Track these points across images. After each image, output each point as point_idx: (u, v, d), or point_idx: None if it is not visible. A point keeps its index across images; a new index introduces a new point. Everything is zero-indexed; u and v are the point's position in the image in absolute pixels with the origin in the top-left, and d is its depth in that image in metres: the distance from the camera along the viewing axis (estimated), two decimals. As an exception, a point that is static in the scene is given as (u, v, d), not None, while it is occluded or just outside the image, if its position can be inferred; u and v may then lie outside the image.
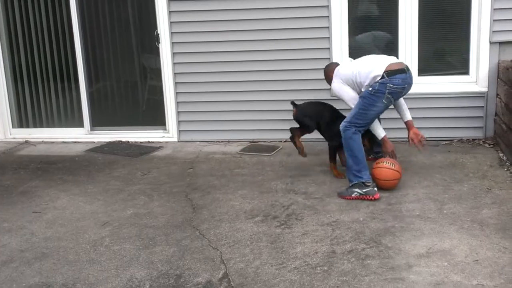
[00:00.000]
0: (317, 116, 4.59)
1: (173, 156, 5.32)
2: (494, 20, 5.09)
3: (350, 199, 4.07)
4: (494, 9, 5.06)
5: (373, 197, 4.03)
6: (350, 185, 4.14)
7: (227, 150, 5.40)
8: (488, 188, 4.13)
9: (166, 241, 3.53)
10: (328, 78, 4.59)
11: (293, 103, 4.68)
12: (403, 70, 4.14)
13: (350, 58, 4.80)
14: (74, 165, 5.16)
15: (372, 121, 4.24)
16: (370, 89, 4.13)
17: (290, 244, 3.39)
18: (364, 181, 4.08)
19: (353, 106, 4.26)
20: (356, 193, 4.07)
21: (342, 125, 4.24)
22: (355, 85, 4.29)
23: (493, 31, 5.11)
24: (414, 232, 3.48)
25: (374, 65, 4.20)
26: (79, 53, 5.81)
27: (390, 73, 4.12)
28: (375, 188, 4.07)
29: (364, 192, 4.05)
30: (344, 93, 4.36)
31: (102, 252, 3.39)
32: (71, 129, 5.99)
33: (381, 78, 4.11)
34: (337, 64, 4.57)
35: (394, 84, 4.11)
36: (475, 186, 4.19)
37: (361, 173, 4.11)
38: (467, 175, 4.42)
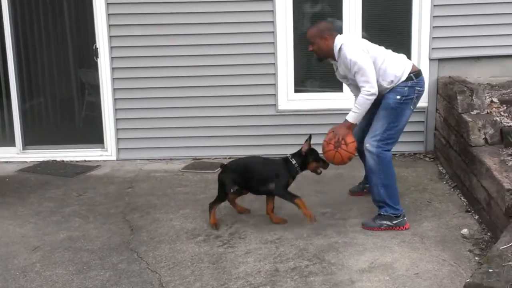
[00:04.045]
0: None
1: (111, 175, 5.10)
2: (433, 38, 5.22)
3: (378, 230, 3.68)
4: (433, 27, 5.20)
5: (404, 227, 3.68)
6: (380, 214, 3.71)
7: (169, 168, 5.23)
8: (428, 201, 4.19)
9: (102, 265, 3.37)
10: (322, 43, 3.75)
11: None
12: (421, 71, 3.79)
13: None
14: (4, 186, 4.86)
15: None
16: (399, 97, 3.63)
17: (233, 264, 3.31)
18: (398, 214, 3.69)
19: (369, 93, 3.58)
20: (385, 225, 3.68)
21: (373, 146, 3.65)
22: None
23: (433, 48, 5.24)
24: (357, 247, 3.47)
25: (403, 62, 3.70)
26: (12, 68, 5.51)
27: (417, 74, 3.70)
28: (405, 218, 3.71)
29: (394, 224, 3.68)
30: (369, 70, 3.58)
31: (33, 278, 3.21)
32: (1, 148, 5.64)
33: (409, 80, 3.67)
34: (336, 31, 3.88)
35: (421, 87, 3.71)
36: (416, 199, 4.24)
37: (397, 205, 3.70)
38: (408, 188, 4.46)
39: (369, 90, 3.60)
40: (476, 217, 3.84)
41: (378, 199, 3.74)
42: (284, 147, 5.31)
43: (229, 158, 5.39)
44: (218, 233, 3.75)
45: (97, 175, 5.12)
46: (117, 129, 5.49)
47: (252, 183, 3.85)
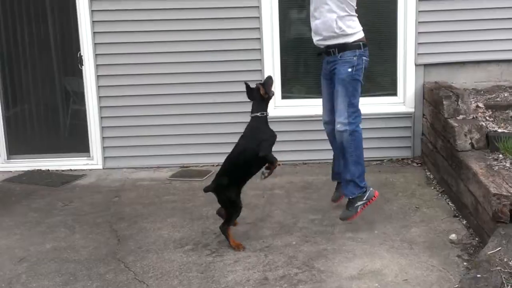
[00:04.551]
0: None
1: (97, 185, 5.04)
2: (419, 44, 5.25)
3: (357, 216, 3.72)
4: (419, 32, 5.23)
5: (375, 197, 3.78)
6: (352, 198, 3.72)
7: (156, 177, 5.19)
8: (416, 207, 4.19)
9: (89, 276, 3.32)
10: None
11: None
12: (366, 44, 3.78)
13: None
14: (-12, 197, 4.78)
15: None
16: (350, 69, 3.67)
17: (221, 273, 3.28)
18: (365, 186, 3.74)
19: None
20: (360, 205, 3.72)
21: (344, 124, 3.65)
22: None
23: (418, 54, 5.27)
24: (346, 254, 3.45)
25: (360, 27, 3.77)
26: (-5, 76, 5.43)
27: (365, 44, 3.76)
28: (371, 188, 3.78)
29: (366, 199, 3.73)
30: None
31: (17, 291, 3.13)
32: (-15, 158, 5.56)
33: (357, 49, 3.71)
34: None
35: (367, 58, 3.76)
36: (404, 205, 4.24)
37: (361, 182, 3.73)
38: (396, 194, 4.47)
39: None
40: (464, 222, 3.85)
41: (349, 178, 3.74)
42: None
43: (217, 165, 5.36)
44: (207, 242, 3.71)
45: (83, 185, 5.05)
46: (103, 137, 5.43)
47: (251, 169, 3.63)
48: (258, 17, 5.24)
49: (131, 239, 3.81)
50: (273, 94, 3.80)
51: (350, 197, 3.76)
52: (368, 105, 5.40)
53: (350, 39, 3.74)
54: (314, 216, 4.06)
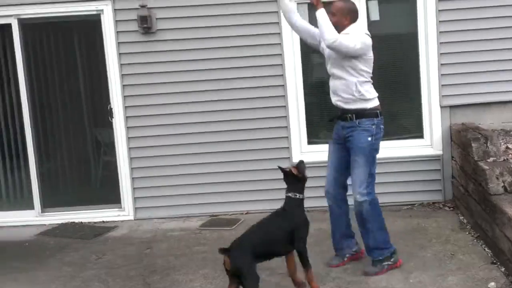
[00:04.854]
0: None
1: (129, 236, 5.08)
2: (443, 85, 5.26)
3: (382, 274, 3.78)
4: (442, 74, 5.25)
5: (398, 263, 3.88)
6: (376, 260, 3.80)
7: (186, 226, 5.21)
8: (451, 254, 4.09)
9: (122, 332, 3.31)
10: (341, 20, 3.74)
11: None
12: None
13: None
14: (23, 251, 4.84)
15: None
16: (369, 138, 3.69)
17: (257, 328, 3.23)
18: (392, 250, 3.84)
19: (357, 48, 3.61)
20: (386, 266, 3.80)
21: (363, 195, 3.69)
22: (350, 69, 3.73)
23: (443, 96, 5.27)
24: (382, 307, 3.38)
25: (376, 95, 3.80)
26: (28, 130, 5.55)
27: (381, 112, 3.78)
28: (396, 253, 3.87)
29: (392, 261, 3.83)
30: (358, 42, 3.63)
31: None
32: (20, 211, 5.65)
33: (375, 118, 3.74)
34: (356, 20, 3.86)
35: (383, 126, 3.79)
36: (439, 251, 4.15)
37: (388, 245, 3.84)
38: (430, 240, 4.39)
39: (337, 39, 3.58)
40: (503, 269, 3.74)
41: (375, 245, 3.79)
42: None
43: (246, 213, 5.38)
44: (240, 295, 3.68)
45: (115, 236, 5.10)
46: (134, 188, 5.50)
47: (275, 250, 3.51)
48: (281, 64, 5.34)
49: (164, 292, 3.82)
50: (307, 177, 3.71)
51: (380, 258, 3.80)
52: (395, 148, 5.40)
53: (368, 105, 3.77)
54: (347, 265, 4.00)
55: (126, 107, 5.45)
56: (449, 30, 5.21)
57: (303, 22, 4.03)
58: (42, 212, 5.62)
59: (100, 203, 5.65)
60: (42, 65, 5.78)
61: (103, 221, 5.50)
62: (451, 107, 5.30)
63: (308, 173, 5.34)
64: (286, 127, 5.41)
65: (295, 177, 3.66)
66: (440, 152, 5.31)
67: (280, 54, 5.32)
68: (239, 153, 5.45)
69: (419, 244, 4.29)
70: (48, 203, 5.66)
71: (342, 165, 3.93)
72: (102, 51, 5.43)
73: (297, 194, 3.63)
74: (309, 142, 5.51)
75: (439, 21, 5.20)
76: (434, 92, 5.29)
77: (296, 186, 3.65)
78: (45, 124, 5.77)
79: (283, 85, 5.36)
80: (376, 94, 3.86)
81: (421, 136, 5.43)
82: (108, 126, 5.59)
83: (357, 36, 3.70)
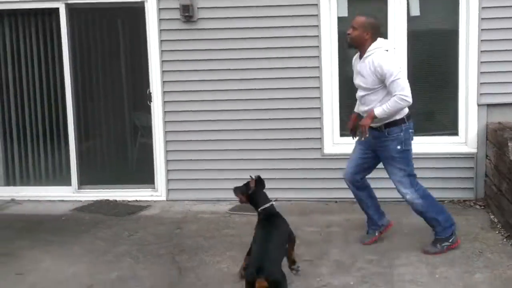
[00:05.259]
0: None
1: (161, 216, 5.23)
2: (481, 83, 5.18)
3: (441, 253, 3.98)
4: (481, 72, 5.17)
5: (457, 243, 4.06)
6: (437, 238, 4.01)
7: (216, 210, 5.33)
8: (480, 251, 4.06)
9: (150, 306, 3.43)
10: (362, 35, 3.85)
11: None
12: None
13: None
14: (59, 225, 5.05)
15: None
16: (399, 147, 3.88)
17: (279, 310, 3.29)
18: (452, 231, 4.03)
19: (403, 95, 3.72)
20: (446, 246, 4.00)
21: (411, 192, 3.92)
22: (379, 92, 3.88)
23: (481, 94, 5.20)
24: (406, 298, 3.39)
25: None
26: (70, 111, 5.79)
27: (408, 116, 3.93)
28: (456, 233, 4.07)
29: (451, 242, 4.02)
30: (406, 82, 3.78)
31: (83, 317, 3.28)
32: (58, 187, 5.90)
33: (402, 124, 3.89)
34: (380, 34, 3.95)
35: (412, 129, 3.96)
36: (467, 249, 4.12)
37: (449, 221, 4.03)
38: (459, 237, 4.34)
39: (406, 95, 3.74)
40: (531, 269, 3.71)
41: (439, 228, 4.01)
42: (329, 191, 5.34)
43: (275, 200, 5.42)
44: (265, 278, 3.75)
45: (147, 215, 5.26)
46: (168, 170, 5.65)
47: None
48: (318, 56, 5.36)
49: (191, 271, 3.91)
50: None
51: (442, 237, 4.00)
52: (428, 144, 5.37)
53: (397, 117, 3.89)
54: (372, 256, 4.03)
55: (164, 92, 5.59)
56: (491, 28, 5.12)
57: None
58: (78, 188, 5.85)
59: (134, 183, 5.83)
60: (86, 49, 5.98)
61: (137, 200, 5.68)
62: (489, 105, 5.22)
63: (339, 164, 5.42)
64: (320, 118, 5.44)
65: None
66: (475, 150, 5.24)
67: (317, 46, 5.35)
68: (271, 142, 5.52)
69: (447, 240, 4.26)
70: (85, 181, 5.88)
71: (364, 165, 4.18)
72: (144, 37, 5.58)
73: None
74: (341, 134, 5.53)
75: (481, 18, 5.11)
76: (472, 90, 5.22)
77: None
78: (86, 106, 5.97)
79: (318, 77, 5.39)
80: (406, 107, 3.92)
81: (456, 134, 5.38)
82: (146, 110, 5.74)
83: (398, 80, 3.75)
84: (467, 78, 5.22)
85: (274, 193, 5.37)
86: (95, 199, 5.73)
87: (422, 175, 5.20)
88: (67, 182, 5.86)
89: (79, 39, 5.91)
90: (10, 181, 6.10)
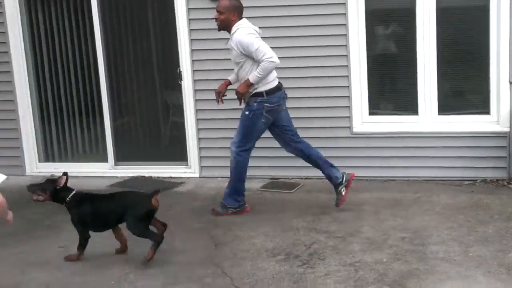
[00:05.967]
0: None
1: (195, 192, 5.36)
2: (513, 61, 5.11)
3: (223, 215, 4.57)
4: (513, 49, 5.09)
5: (245, 210, 4.64)
6: (227, 206, 4.60)
7: (248, 187, 5.35)
8: (513, 231, 4.08)
9: (189, 278, 3.55)
10: (229, 17, 4.35)
11: None
12: (277, 88, 4.41)
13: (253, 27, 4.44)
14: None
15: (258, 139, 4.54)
16: (247, 112, 4.39)
17: (313, 285, 3.38)
18: (239, 204, 4.61)
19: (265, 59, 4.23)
20: (230, 210, 4.59)
21: (231, 150, 4.48)
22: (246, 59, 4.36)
23: (513, 71, 5.13)
24: (439, 275, 3.44)
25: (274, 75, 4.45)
26: (104, 89, 5.93)
27: (269, 91, 4.37)
28: (246, 204, 4.65)
29: (236, 209, 4.60)
30: (265, 46, 4.28)
31: (126, 288, 3.40)
32: (95, 163, 6.07)
33: (259, 96, 4.35)
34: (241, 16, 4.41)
35: (270, 104, 4.37)
36: (501, 228, 4.13)
37: (240, 197, 4.60)
38: (492, 216, 4.36)
39: (270, 56, 4.23)
40: None
41: (227, 194, 4.61)
42: (358, 169, 5.33)
43: (306, 178, 5.52)
44: (297, 253, 3.84)
45: (181, 192, 5.40)
46: (200, 147, 5.76)
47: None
48: (345, 34, 5.33)
49: (226, 245, 4.03)
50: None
51: (226, 204, 4.66)
52: (460, 122, 5.35)
53: (260, 89, 4.42)
54: (404, 234, 4.08)
55: (194, 71, 5.65)
56: (524, 3, 5.02)
57: None
58: (115, 165, 6.01)
59: (168, 160, 5.95)
60: (117, 29, 6.06)
61: (171, 177, 5.81)
62: (522, 83, 5.15)
63: (369, 143, 5.44)
64: (348, 96, 5.44)
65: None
66: (507, 129, 5.19)
67: (345, 24, 5.31)
68: (301, 120, 5.49)
69: (480, 219, 4.29)
70: (121, 157, 6.03)
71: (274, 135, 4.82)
72: (173, 17, 5.62)
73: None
74: (370, 113, 5.53)
75: (514, -7, 5.01)
76: (503, 68, 5.13)
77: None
78: (119, 85, 6.08)
79: (346, 55, 5.36)
80: (273, 78, 4.49)
81: (488, 112, 5.32)
82: (177, 89, 5.82)
83: (258, 48, 4.24)
84: (499, 56, 5.14)
85: (303, 171, 5.48)
86: (130, 175, 5.88)
87: (455, 154, 5.26)
88: (104, 159, 6.03)
89: (110, 18, 5.97)
90: (49, 157, 6.30)
